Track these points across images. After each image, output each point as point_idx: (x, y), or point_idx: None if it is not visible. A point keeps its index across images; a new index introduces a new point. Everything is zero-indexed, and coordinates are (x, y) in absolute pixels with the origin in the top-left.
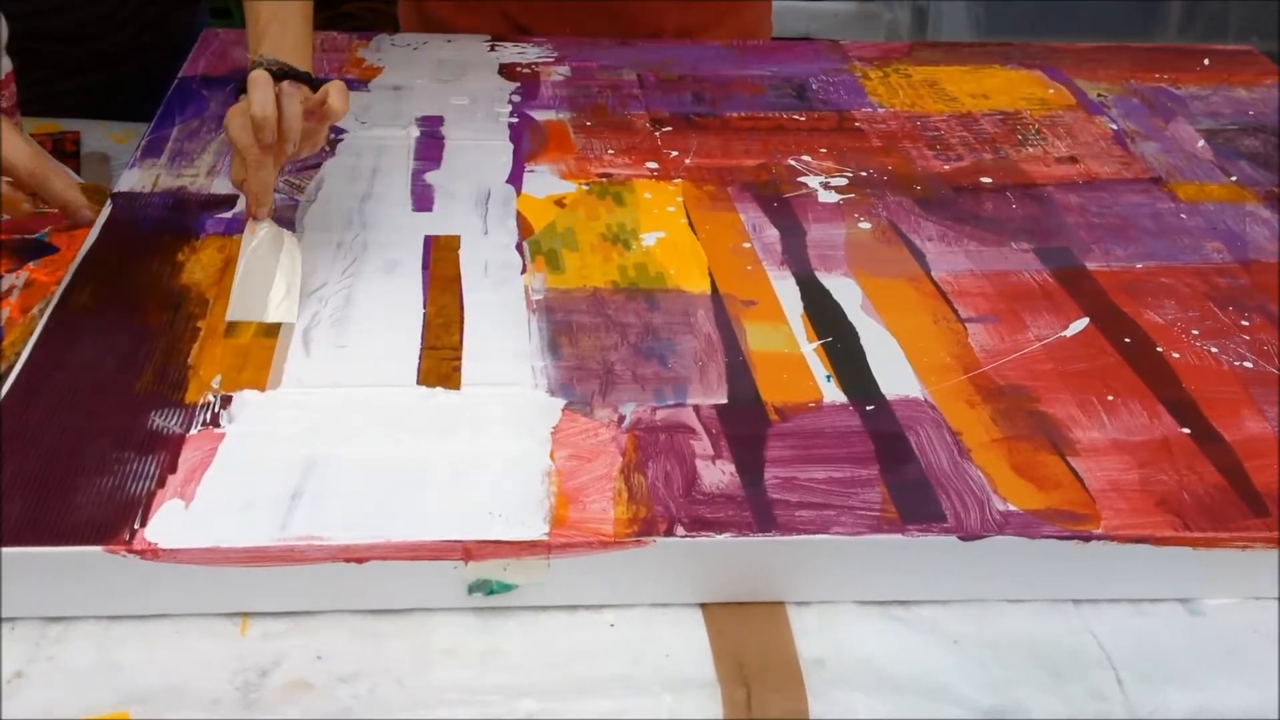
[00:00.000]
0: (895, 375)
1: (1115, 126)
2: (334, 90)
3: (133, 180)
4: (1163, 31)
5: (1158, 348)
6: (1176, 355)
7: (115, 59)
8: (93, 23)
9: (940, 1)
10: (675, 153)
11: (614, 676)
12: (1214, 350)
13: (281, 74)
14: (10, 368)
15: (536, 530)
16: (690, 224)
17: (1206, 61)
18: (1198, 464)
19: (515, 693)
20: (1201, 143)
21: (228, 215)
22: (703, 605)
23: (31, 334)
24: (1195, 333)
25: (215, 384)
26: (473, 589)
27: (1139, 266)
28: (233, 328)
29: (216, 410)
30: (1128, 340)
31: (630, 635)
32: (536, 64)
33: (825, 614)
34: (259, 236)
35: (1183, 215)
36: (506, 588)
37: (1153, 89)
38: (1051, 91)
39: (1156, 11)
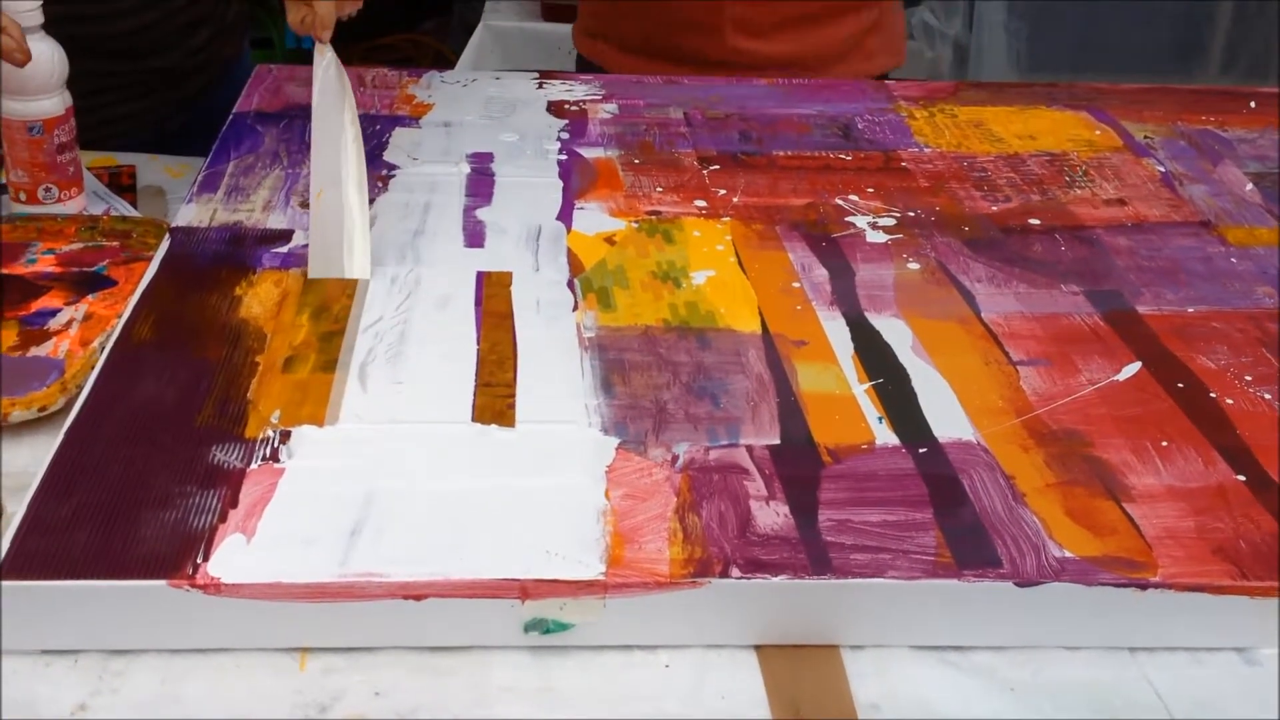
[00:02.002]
0: (947, 418)
1: (1163, 169)
2: None
3: (190, 215)
4: (1204, 71)
5: (1211, 393)
6: (1230, 401)
7: (165, 80)
8: (140, 32)
9: (981, 39)
10: (723, 191)
11: (670, 717)
12: (1267, 396)
13: None
14: (74, 400)
15: (593, 570)
16: (739, 263)
17: (1253, 104)
18: (1254, 512)
19: None
20: (1250, 186)
21: (284, 250)
22: (757, 647)
23: (93, 367)
24: (1248, 378)
25: (274, 419)
26: (529, 628)
27: (1190, 310)
28: (290, 363)
29: (276, 445)
30: (1181, 385)
31: (685, 676)
32: (584, 101)
33: (880, 658)
34: (327, 58)
35: (1233, 259)
36: (563, 627)
37: (1199, 131)
38: (1098, 133)
39: (1198, 51)
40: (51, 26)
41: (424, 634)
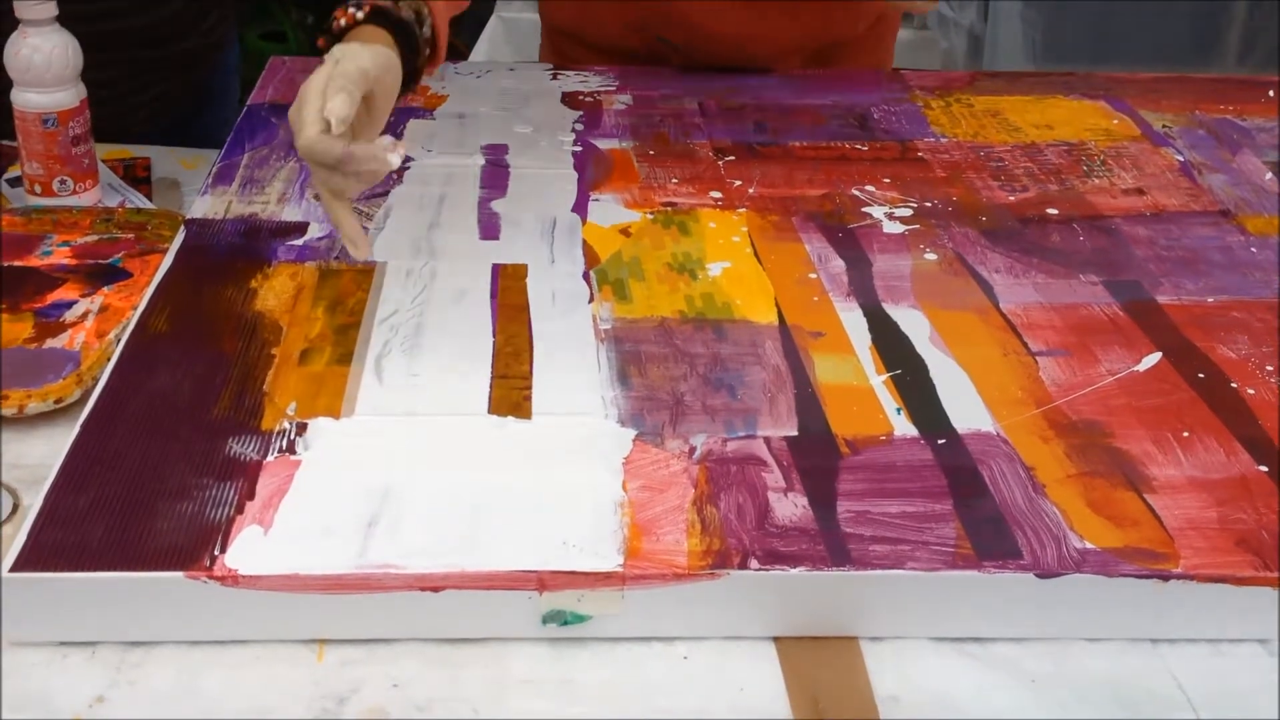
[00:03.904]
0: (966, 408)
1: (1181, 158)
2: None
3: (205, 207)
4: (1221, 59)
5: (1232, 383)
6: (1251, 391)
7: (183, 64)
8: (166, 22)
9: (996, 29)
10: (739, 182)
11: (689, 709)
12: None
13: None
14: (89, 392)
15: (611, 561)
16: (755, 254)
17: (1271, 93)
18: (1276, 502)
19: None
20: (1269, 175)
21: (299, 242)
22: (776, 639)
23: (109, 359)
24: (1269, 368)
25: (291, 411)
26: (547, 619)
27: (1210, 300)
28: (306, 356)
29: (292, 437)
30: (1201, 375)
31: (704, 668)
32: (599, 92)
33: (899, 650)
34: None
35: (1253, 249)
36: (580, 619)
37: (1218, 120)
38: (1116, 122)
39: (1215, 39)
40: (80, 24)
41: (442, 626)
